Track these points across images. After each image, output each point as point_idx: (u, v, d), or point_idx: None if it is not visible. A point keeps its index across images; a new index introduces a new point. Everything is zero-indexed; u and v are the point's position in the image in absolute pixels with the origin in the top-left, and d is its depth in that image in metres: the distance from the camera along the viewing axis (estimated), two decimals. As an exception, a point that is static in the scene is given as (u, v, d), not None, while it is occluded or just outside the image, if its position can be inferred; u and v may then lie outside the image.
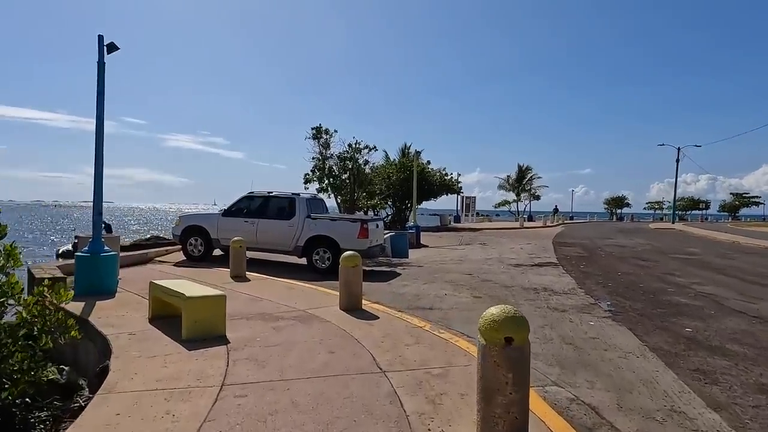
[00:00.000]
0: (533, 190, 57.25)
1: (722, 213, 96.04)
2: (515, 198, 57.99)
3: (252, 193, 12.15)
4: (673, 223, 52.83)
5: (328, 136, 15.88)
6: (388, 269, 12.42)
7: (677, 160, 55.60)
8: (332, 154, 15.99)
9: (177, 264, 11.57)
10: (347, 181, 16.04)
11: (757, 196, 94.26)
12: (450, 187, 34.46)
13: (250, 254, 11.46)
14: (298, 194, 11.73)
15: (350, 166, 15.73)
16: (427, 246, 22.30)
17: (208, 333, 5.24)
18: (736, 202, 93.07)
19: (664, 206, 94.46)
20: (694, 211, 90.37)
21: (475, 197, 46.03)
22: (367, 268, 12.32)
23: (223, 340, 5.22)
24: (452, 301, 8.08)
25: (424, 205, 48.69)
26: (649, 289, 9.55)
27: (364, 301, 7.25)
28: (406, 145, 40.92)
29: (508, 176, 58.12)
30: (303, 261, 11.57)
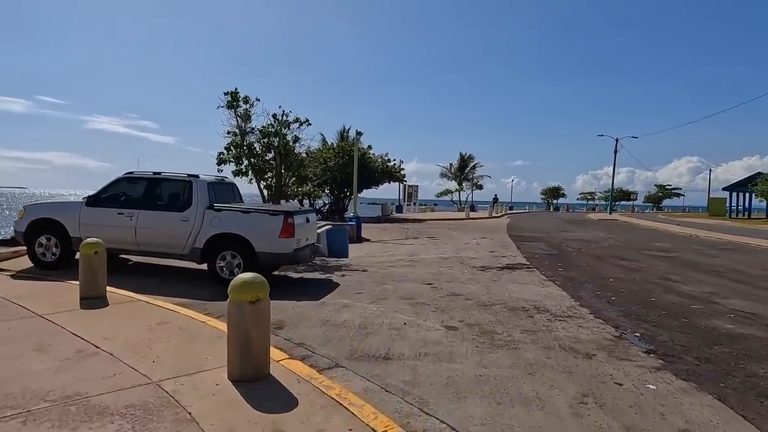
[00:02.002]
0: (476, 180, 55.92)
1: (647, 204, 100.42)
2: (457, 187, 56.41)
3: (132, 173, 8.75)
4: (610, 213, 53.29)
5: (248, 106, 12.59)
6: (323, 276, 9.50)
7: (615, 151, 56.11)
8: (253, 128, 12.72)
9: (17, 274, 8.05)
10: (272, 162, 12.83)
11: (678, 188, 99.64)
12: (393, 174, 31.86)
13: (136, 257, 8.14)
14: (197, 176, 8.50)
15: (276, 144, 12.52)
16: (369, 240, 19.57)
17: None
18: (660, 194, 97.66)
19: (596, 196, 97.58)
20: (623, 202, 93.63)
21: (417, 186, 43.80)
22: (295, 275, 9.30)
23: None
24: (417, 339, 5.30)
25: (364, 193, 45.88)
26: (669, 307, 7.24)
27: (277, 353, 4.32)
28: (345, 129, 37.84)
29: (450, 164, 56.44)
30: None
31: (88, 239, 6.42)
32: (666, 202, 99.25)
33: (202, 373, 3.87)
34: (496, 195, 53.26)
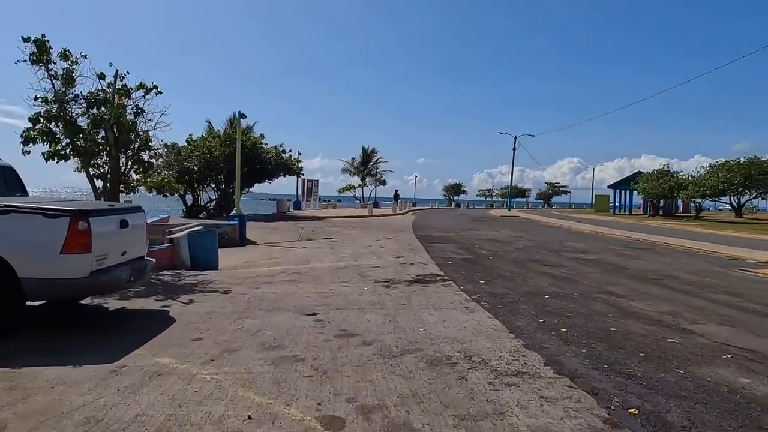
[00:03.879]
0: (379, 175, 54.09)
1: (539, 201, 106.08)
2: (360, 183, 54.23)
3: None
4: (509, 210, 54.20)
5: (69, 63, 9.02)
6: (159, 303, 6.50)
7: (514, 149, 57.37)
8: (78, 95, 9.16)
9: None
10: (103, 142, 9.36)
11: (566, 186, 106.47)
12: (288, 166, 28.69)
13: None
14: None
15: (107, 117, 9.09)
16: (255, 243, 16.55)
17: None
18: (550, 191, 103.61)
19: (493, 193, 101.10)
20: (518, 199, 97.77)
21: (318, 180, 40.93)
22: (117, 304, 6.14)
23: None
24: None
25: (260, 188, 42.12)
26: (641, 343, 5.23)
27: None
28: (235, 115, 33.87)
29: (352, 159, 54.10)
30: None
31: None
32: (555, 199, 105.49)
33: None
34: (396, 191, 51.21)
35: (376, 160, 53.82)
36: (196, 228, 11.82)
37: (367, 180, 53.82)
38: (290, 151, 29.01)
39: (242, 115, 17.87)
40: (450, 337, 5.22)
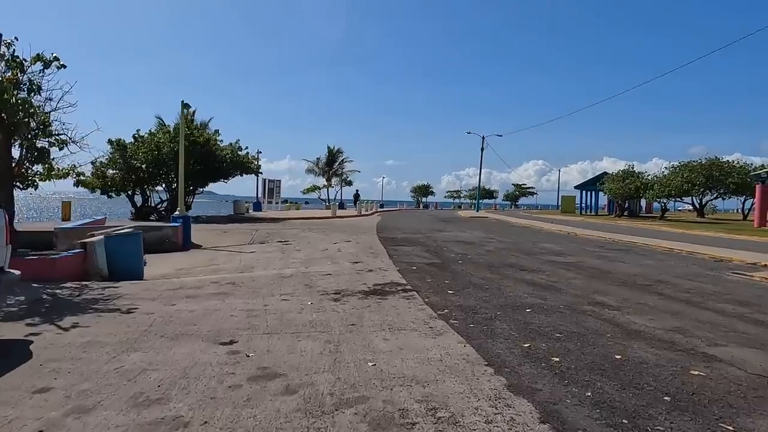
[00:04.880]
0: (345, 175, 52.48)
1: (506, 202, 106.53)
2: (325, 183, 52.52)
3: None
4: (477, 211, 53.51)
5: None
6: (28, 331, 4.88)
7: (482, 149, 56.80)
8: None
9: None
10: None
11: (532, 187, 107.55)
12: (245, 165, 26.82)
13: None
14: None
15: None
16: (200, 247, 14.90)
17: None
18: (517, 192, 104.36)
19: (461, 194, 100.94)
20: (486, 200, 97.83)
21: (280, 180, 39.11)
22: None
23: None
24: None
25: (226, 191, 40.17)
26: (660, 377, 3.96)
27: None
28: (188, 110, 31.80)
29: (317, 159, 52.34)
30: None
31: None
32: (521, 200, 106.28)
33: None
34: (357, 191, 49.37)
35: (342, 160, 52.25)
36: (119, 231, 10.10)
37: (332, 181, 52.14)
38: (247, 148, 27.15)
39: (186, 105, 16.15)
40: (408, 375, 3.83)
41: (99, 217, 18.04)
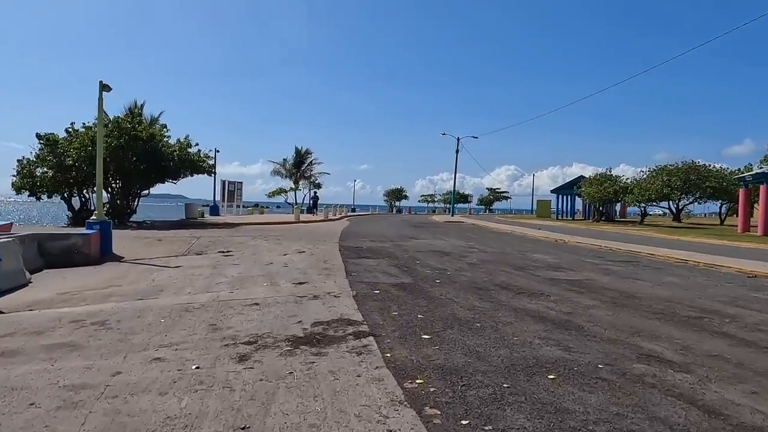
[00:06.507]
0: (313, 177, 49.68)
1: (480, 206, 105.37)
2: (293, 186, 49.60)
3: None
4: (452, 216, 51.50)
5: None
6: None
7: (457, 151, 54.77)
8: None
9: None
10: None
11: (506, 191, 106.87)
12: (195, 164, 23.90)
13: None
14: None
15: None
16: (121, 259, 12.17)
17: None
18: (491, 197, 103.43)
19: (435, 199, 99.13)
20: (460, 205, 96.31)
21: (241, 183, 36.05)
22: None
23: None
24: None
25: (197, 194, 36.99)
26: None
27: None
28: (137, 103, 28.69)
29: (284, 160, 49.40)
30: None
31: None
32: (496, 204, 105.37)
33: None
34: (315, 193, 45.89)
35: (311, 162, 49.43)
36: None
37: (300, 183, 49.28)
38: (197, 144, 24.24)
39: (105, 87, 13.33)
40: None
41: (3, 222, 15.01)
